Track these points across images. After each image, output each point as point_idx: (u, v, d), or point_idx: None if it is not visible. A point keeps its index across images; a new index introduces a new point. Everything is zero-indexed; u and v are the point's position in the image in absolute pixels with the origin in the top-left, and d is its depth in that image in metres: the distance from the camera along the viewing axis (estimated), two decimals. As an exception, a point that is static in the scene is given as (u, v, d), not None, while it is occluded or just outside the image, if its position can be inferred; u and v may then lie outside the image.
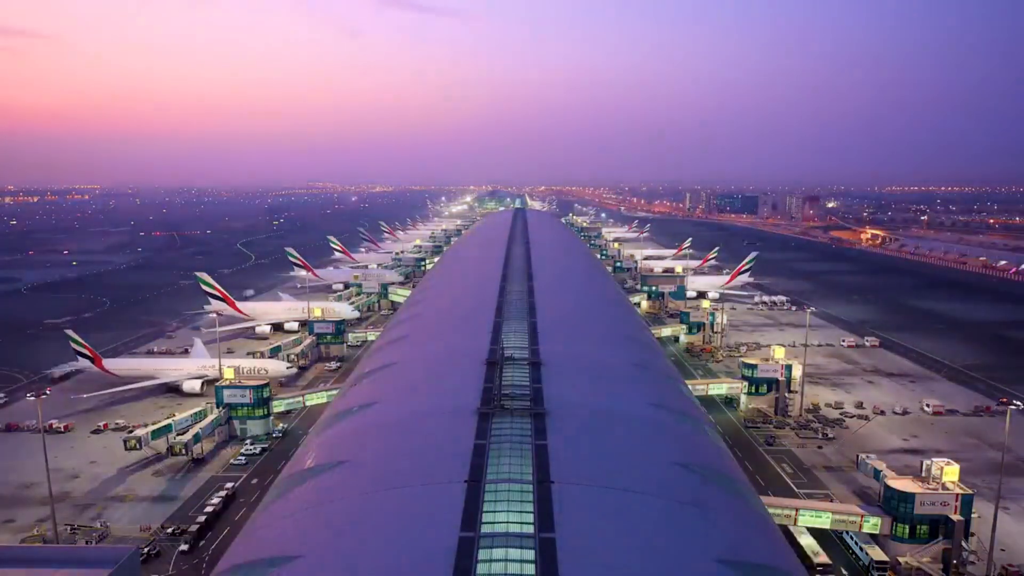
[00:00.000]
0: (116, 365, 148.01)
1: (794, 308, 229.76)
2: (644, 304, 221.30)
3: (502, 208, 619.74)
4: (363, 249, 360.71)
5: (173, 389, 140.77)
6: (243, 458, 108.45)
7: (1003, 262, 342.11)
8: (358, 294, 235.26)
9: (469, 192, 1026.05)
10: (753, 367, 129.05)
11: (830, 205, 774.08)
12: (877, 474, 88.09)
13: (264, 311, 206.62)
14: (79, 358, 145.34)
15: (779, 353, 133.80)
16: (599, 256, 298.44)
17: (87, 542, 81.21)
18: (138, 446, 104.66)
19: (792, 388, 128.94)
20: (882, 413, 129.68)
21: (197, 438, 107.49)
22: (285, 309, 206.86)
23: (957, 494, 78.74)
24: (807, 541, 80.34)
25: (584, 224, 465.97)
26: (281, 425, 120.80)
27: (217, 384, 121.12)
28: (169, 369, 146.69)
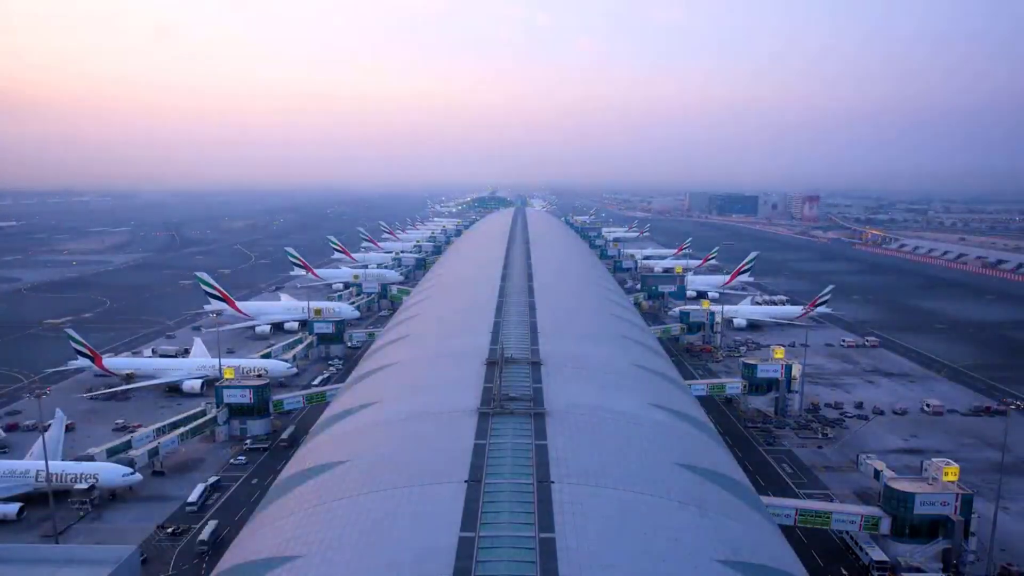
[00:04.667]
0: (116, 365, 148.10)
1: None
2: (644, 304, 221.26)
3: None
4: (363, 249, 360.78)
5: (174, 389, 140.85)
6: (243, 458, 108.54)
7: (1005, 263, 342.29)
8: (358, 294, 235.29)
9: (470, 194, 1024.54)
10: (753, 367, 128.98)
11: (830, 204, 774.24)
12: (877, 474, 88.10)
13: (264, 311, 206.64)
14: (79, 357, 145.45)
15: (779, 353, 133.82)
16: (599, 256, 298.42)
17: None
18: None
19: (792, 388, 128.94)
20: (882, 413, 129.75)
21: (156, 452, 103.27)
22: (285, 309, 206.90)
23: (957, 494, 78.70)
24: None
25: (584, 224, 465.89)
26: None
27: (217, 384, 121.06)
28: (169, 369, 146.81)
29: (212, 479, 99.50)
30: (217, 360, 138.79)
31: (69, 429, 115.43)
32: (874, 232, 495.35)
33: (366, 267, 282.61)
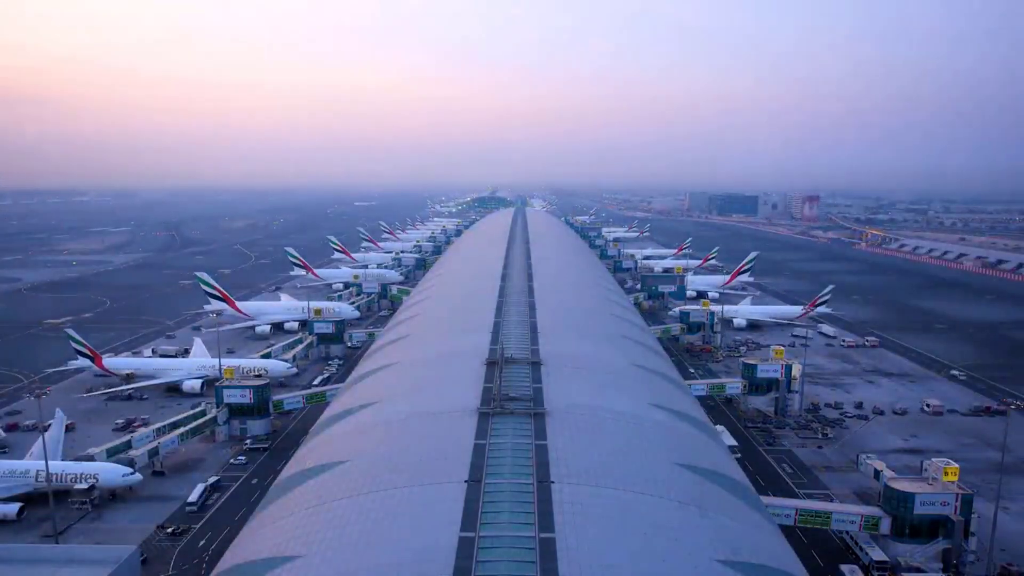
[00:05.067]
0: (116, 365, 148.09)
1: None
2: (644, 304, 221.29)
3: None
4: (363, 249, 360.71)
5: (174, 389, 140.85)
6: (243, 458, 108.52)
7: (1005, 263, 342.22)
8: (358, 294, 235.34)
9: (470, 194, 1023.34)
10: (753, 367, 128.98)
11: (830, 204, 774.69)
12: (877, 474, 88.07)
13: (264, 311, 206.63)
14: (79, 357, 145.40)
15: (779, 353, 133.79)
16: (599, 256, 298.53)
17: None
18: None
19: (792, 388, 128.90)
20: (882, 413, 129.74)
21: (156, 452, 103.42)
22: (285, 309, 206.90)
23: (957, 494, 78.69)
24: None
25: (584, 224, 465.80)
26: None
27: (217, 384, 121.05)
28: (169, 369, 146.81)
29: (212, 479, 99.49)
30: (217, 360, 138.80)
31: (69, 429, 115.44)
32: (874, 232, 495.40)
33: (366, 267, 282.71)
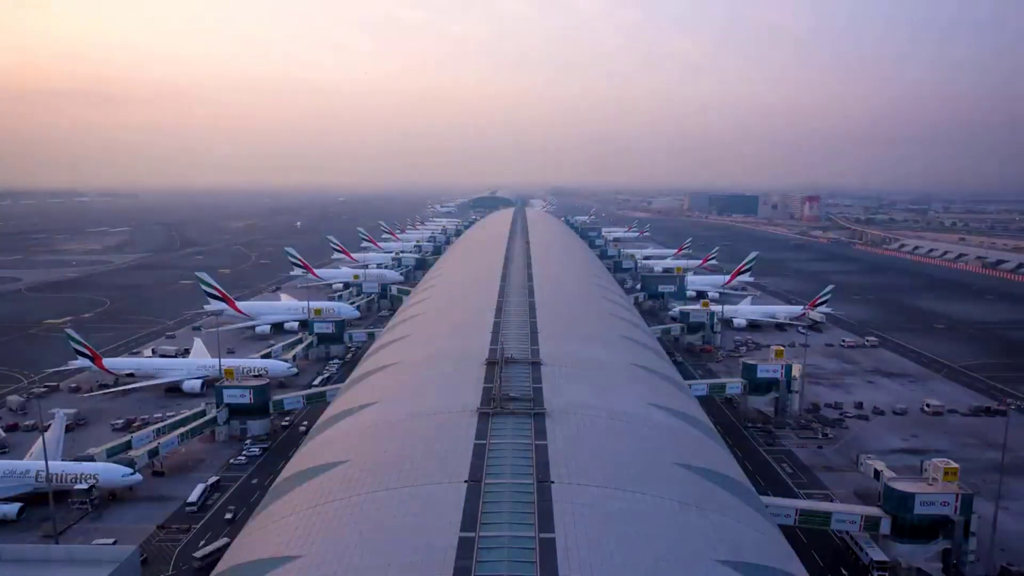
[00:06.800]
0: (116, 365, 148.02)
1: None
2: (644, 304, 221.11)
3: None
4: (363, 249, 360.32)
5: (174, 389, 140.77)
6: (243, 458, 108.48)
7: (1005, 263, 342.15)
8: (358, 294, 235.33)
9: (470, 194, 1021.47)
10: (753, 367, 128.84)
11: (830, 204, 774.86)
12: (877, 474, 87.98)
13: (264, 311, 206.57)
14: (79, 358, 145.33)
15: (779, 353, 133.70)
16: (599, 256, 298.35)
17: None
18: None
19: (792, 388, 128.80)
20: (882, 413, 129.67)
21: (156, 452, 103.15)
22: (285, 309, 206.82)
23: (957, 494, 78.59)
24: None
25: (584, 224, 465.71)
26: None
27: (217, 384, 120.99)
28: (169, 369, 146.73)
29: (212, 479, 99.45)
30: (217, 360, 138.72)
31: (69, 429, 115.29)
32: (874, 232, 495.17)
33: (366, 267, 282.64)
